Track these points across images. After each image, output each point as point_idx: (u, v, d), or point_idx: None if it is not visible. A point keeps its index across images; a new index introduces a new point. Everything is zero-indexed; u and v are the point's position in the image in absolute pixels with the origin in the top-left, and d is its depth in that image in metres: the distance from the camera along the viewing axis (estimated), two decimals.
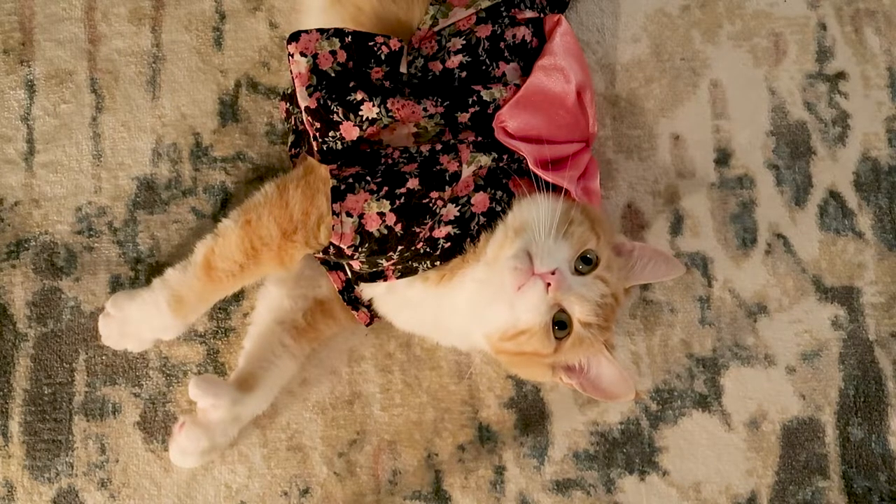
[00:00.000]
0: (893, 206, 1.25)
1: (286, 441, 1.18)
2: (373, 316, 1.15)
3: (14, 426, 1.18)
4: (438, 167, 1.03)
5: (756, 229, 1.24)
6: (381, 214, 1.02)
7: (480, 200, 1.04)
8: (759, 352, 1.21)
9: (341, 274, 1.14)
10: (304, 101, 1.06)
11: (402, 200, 1.02)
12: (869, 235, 1.24)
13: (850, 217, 1.24)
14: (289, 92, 1.21)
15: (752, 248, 1.23)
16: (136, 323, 1.11)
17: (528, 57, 1.12)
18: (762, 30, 1.28)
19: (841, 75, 1.28)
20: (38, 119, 1.25)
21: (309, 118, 1.06)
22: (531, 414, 1.19)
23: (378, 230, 1.02)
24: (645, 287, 1.22)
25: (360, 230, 1.02)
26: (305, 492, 1.18)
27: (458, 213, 1.03)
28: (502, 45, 1.11)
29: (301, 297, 1.16)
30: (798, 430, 1.20)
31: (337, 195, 1.02)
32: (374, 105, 1.05)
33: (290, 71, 1.07)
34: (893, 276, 1.23)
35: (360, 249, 1.03)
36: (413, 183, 1.02)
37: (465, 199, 1.04)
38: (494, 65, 1.10)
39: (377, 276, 1.08)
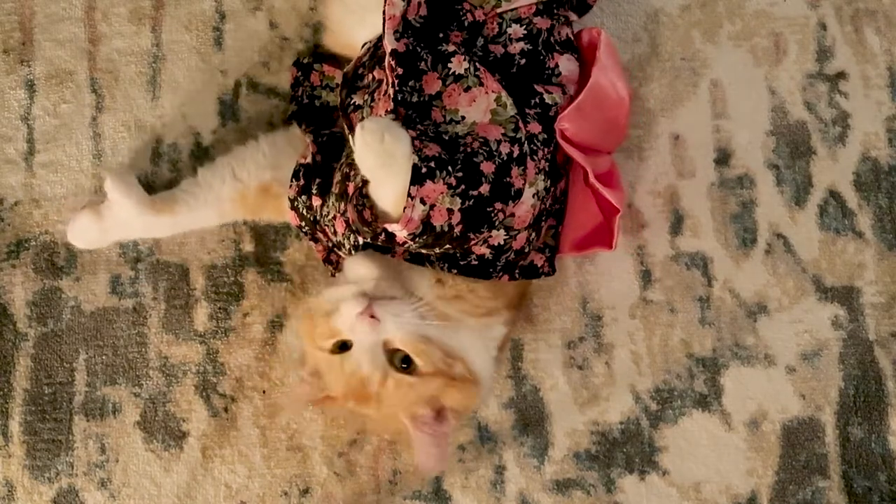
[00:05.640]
0: (893, 206, 1.25)
1: (286, 441, 1.18)
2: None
3: (14, 426, 1.18)
4: (508, 178, 0.98)
5: (756, 229, 1.24)
6: (450, 211, 0.95)
7: (521, 238, 1.03)
8: (759, 352, 1.21)
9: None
10: (391, 44, 1.01)
11: (471, 203, 0.96)
12: (869, 235, 1.24)
13: (850, 217, 1.24)
14: (304, 61, 1.21)
15: (752, 248, 1.23)
16: None
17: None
18: (762, 30, 1.28)
19: (841, 75, 1.27)
20: (38, 119, 1.25)
21: (392, 62, 1.01)
22: (531, 414, 1.19)
23: (441, 226, 0.96)
24: (645, 287, 1.22)
25: (427, 221, 0.95)
26: (305, 492, 1.18)
27: (502, 242, 1.01)
28: (553, 39, 1.10)
29: (272, 167, 1.16)
30: (798, 430, 1.20)
31: (417, 178, 0.94)
32: (464, 59, 1.02)
33: (384, 12, 1.02)
34: (893, 276, 1.23)
35: (417, 239, 0.97)
36: (485, 188, 0.96)
37: (515, 233, 1.01)
38: (549, 56, 1.09)
39: (387, 250, 1.03)
